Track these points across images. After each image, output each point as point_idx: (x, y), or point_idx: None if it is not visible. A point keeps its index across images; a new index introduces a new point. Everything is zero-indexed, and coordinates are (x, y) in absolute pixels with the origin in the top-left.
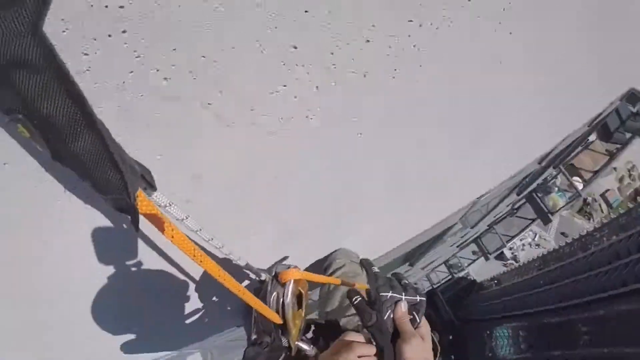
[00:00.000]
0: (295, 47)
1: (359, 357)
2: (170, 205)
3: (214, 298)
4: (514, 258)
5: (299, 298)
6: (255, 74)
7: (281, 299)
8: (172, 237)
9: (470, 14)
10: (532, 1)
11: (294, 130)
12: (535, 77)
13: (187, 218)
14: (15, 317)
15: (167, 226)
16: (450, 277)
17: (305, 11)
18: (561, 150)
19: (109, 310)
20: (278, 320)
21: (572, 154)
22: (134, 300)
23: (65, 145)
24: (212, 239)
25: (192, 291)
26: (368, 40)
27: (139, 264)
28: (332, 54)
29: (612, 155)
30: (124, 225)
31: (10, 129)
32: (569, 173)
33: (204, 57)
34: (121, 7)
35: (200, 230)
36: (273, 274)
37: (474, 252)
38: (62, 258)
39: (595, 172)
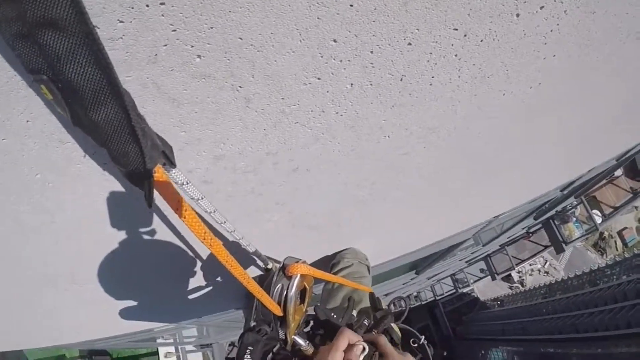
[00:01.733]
0: (335, 41)
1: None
2: (187, 183)
3: (219, 278)
4: (521, 282)
5: (302, 293)
6: (290, 63)
7: (285, 292)
8: (185, 217)
9: (517, 31)
10: (580, 29)
11: (321, 124)
12: (571, 103)
13: (202, 199)
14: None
15: (180, 205)
16: (454, 291)
17: (351, 5)
18: (585, 181)
19: (114, 275)
20: (279, 312)
21: (596, 187)
22: (139, 269)
23: (87, 113)
24: (225, 222)
25: (197, 268)
26: (410, 44)
27: (150, 234)
28: (371, 52)
29: (635, 194)
30: (137, 198)
31: (35, 89)
32: (590, 205)
33: (241, 39)
34: None
35: (215, 211)
36: (281, 265)
37: (481, 270)
38: (72, 221)
39: (616, 208)
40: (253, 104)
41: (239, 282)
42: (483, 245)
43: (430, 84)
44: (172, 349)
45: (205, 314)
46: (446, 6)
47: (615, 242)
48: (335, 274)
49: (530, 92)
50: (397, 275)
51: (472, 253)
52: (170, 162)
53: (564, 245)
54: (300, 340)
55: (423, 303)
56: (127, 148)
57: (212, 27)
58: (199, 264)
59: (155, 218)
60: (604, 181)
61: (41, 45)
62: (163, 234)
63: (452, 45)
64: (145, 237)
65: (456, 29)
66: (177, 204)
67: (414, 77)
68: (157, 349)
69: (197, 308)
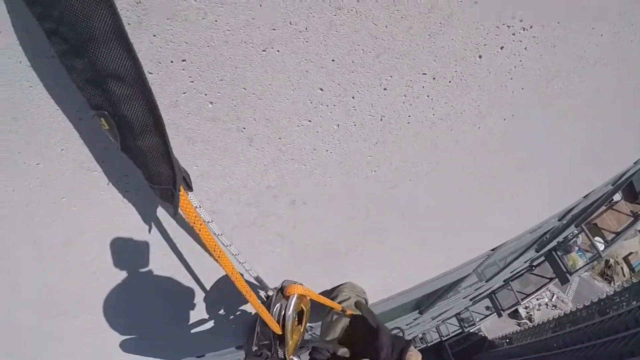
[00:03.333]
0: (322, 89)
1: None
2: (199, 207)
3: (221, 311)
4: (529, 317)
5: (300, 315)
6: (285, 108)
7: (283, 311)
8: (199, 230)
9: (482, 70)
10: (543, 62)
11: (314, 160)
12: (549, 131)
13: (211, 222)
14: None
15: (197, 220)
16: (460, 331)
17: (332, 60)
18: (584, 208)
19: (119, 305)
20: (278, 329)
21: (596, 213)
22: (144, 301)
23: (135, 141)
24: (231, 245)
25: (200, 301)
26: (385, 88)
27: (157, 267)
28: (352, 97)
29: (636, 217)
30: (150, 228)
31: (83, 122)
32: (591, 233)
33: (244, 89)
34: (186, 42)
35: (222, 235)
36: (279, 286)
37: (487, 308)
38: (88, 245)
39: (619, 234)
40: (255, 143)
41: (241, 317)
42: (486, 281)
43: (408, 122)
44: None
45: (205, 352)
46: (413, 55)
47: (622, 268)
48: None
49: (505, 124)
50: (400, 315)
51: (476, 290)
52: (188, 187)
53: (568, 275)
54: None
55: (429, 345)
56: (162, 169)
57: (222, 79)
58: (201, 295)
59: (163, 250)
60: (604, 207)
61: (105, 90)
62: (170, 266)
63: (423, 87)
64: (153, 269)
65: (425, 73)
66: (194, 218)
67: (392, 116)
68: None
69: (198, 346)
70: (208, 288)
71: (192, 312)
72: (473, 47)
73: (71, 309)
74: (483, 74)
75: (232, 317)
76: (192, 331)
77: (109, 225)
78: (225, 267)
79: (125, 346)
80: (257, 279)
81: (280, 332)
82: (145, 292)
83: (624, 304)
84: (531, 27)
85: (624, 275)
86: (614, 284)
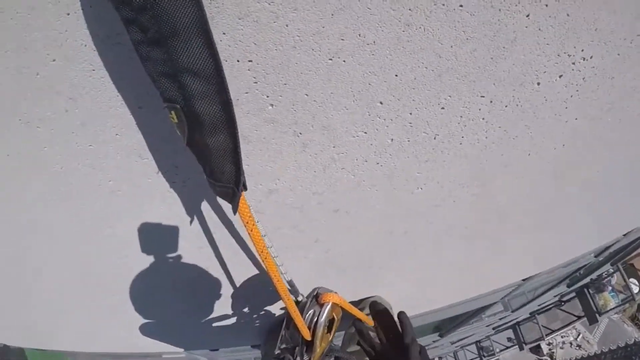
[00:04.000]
0: (381, 103)
1: None
2: (249, 206)
3: (244, 310)
4: (551, 355)
5: (330, 323)
6: (343, 117)
7: (315, 318)
8: (252, 230)
9: (539, 97)
10: (599, 94)
11: (363, 172)
12: (597, 164)
13: (258, 222)
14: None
15: (251, 220)
16: (478, 359)
17: (395, 75)
18: (622, 247)
19: (145, 291)
20: (308, 335)
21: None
22: (171, 290)
23: (203, 137)
24: (272, 247)
25: (225, 297)
26: (443, 108)
27: (191, 259)
28: (410, 114)
29: None
30: (191, 220)
31: (143, 110)
32: (627, 273)
33: (307, 95)
34: (255, 43)
35: (265, 235)
36: (315, 293)
37: (509, 339)
38: (125, 232)
39: None
40: (309, 149)
41: (263, 316)
42: (512, 311)
43: (460, 143)
44: None
45: (221, 346)
46: (474, 77)
47: None
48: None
49: (555, 152)
50: (419, 336)
51: (500, 319)
52: (244, 186)
53: (597, 315)
54: None
55: None
56: (226, 168)
57: (285, 84)
58: (228, 290)
59: (201, 243)
60: None
61: (181, 84)
62: (203, 260)
63: (480, 109)
64: (187, 261)
65: (483, 96)
66: (248, 218)
67: (446, 136)
68: None
69: (215, 339)
70: (237, 285)
71: (215, 307)
72: (533, 74)
73: (97, 289)
74: (539, 101)
75: (253, 316)
76: (212, 325)
77: (150, 213)
78: (270, 268)
79: (144, 330)
80: (290, 282)
81: (309, 338)
82: (174, 282)
83: None
84: (591, 57)
85: None
86: None
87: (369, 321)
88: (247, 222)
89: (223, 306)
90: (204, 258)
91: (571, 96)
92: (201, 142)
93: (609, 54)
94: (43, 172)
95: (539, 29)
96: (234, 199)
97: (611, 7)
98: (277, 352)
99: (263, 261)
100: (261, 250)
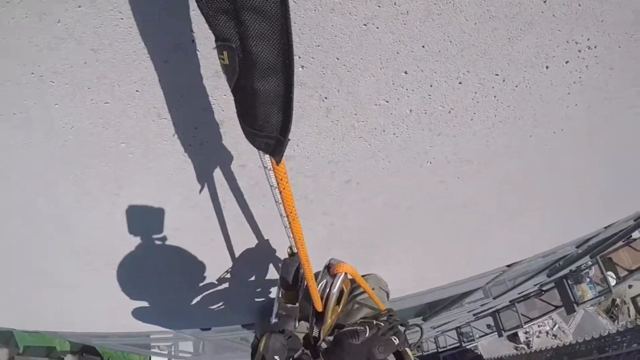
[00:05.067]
0: (406, 73)
1: None
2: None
3: (240, 288)
4: (527, 343)
5: (340, 295)
6: (369, 84)
7: (327, 289)
8: (284, 188)
9: (546, 81)
10: (600, 82)
11: (380, 142)
12: (588, 155)
13: (276, 187)
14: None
15: (285, 177)
16: (458, 345)
17: (422, 46)
18: (602, 240)
19: (145, 263)
20: (320, 306)
21: (612, 248)
22: (171, 263)
23: (252, 81)
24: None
25: (224, 273)
26: (460, 82)
27: (196, 229)
28: (430, 86)
29: None
30: (201, 188)
31: (160, 60)
32: (605, 266)
33: (337, 59)
34: (295, 2)
35: (280, 203)
36: (327, 264)
37: (488, 326)
38: (133, 198)
39: (632, 272)
40: (331, 114)
41: (259, 296)
42: (494, 299)
43: (471, 119)
44: None
45: (213, 325)
46: (492, 55)
47: (629, 308)
48: (356, 296)
49: (554, 137)
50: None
51: (482, 305)
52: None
53: (575, 305)
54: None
55: (424, 354)
56: (272, 116)
57: (319, 45)
58: (226, 270)
59: (208, 212)
60: (621, 243)
61: (240, 22)
62: (207, 231)
63: (493, 87)
64: (191, 232)
65: (497, 74)
66: (283, 174)
67: (459, 111)
68: (150, 358)
69: (208, 317)
70: (235, 261)
71: (213, 283)
72: (543, 57)
73: (97, 259)
74: (546, 84)
75: (248, 295)
76: (207, 302)
77: (162, 178)
78: (295, 230)
79: (134, 310)
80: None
81: (321, 309)
82: (175, 254)
83: (625, 344)
84: (596, 47)
85: (629, 316)
86: (618, 322)
87: (381, 306)
88: (282, 179)
89: (220, 284)
90: (207, 229)
91: (574, 82)
92: (248, 87)
93: (611, 45)
94: (50, 131)
95: (554, 15)
96: (277, 149)
97: (617, 1)
98: (274, 320)
99: (290, 223)
100: (290, 210)
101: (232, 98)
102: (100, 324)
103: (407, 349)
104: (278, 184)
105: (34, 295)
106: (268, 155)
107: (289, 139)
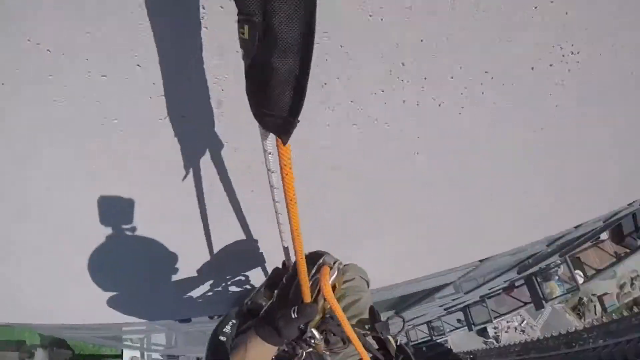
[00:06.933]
0: (403, 64)
1: None
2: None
3: (218, 279)
4: (496, 338)
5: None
6: (368, 73)
7: (317, 287)
8: (287, 174)
9: (530, 80)
10: (581, 84)
11: (372, 132)
12: (567, 155)
13: (274, 172)
14: None
15: (289, 162)
16: (429, 338)
17: (421, 40)
18: (571, 239)
19: (125, 252)
20: (309, 298)
21: (581, 248)
22: (153, 250)
23: (270, 57)
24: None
25: (204, 263)
26: (452, 77)
27: (179, 217)
28: (425, 78)
29: (619, 259)
30: (186, 175)
31: (167, 31)
32: (573, 265)
33: (341, 46)
34: None
35: (278, 189)
36: (321, 261)
37: (459, 320)
38: (120, 176)
39: (599, 271)
40: (328, 101)
41: (231, 290)
42: (465, 294)
43: (460, 113)
44: (137, 353)
45: (182, 315)
46: (485, 53)
47: (595, 306)
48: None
49: (534, 135)
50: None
51: (453, 300)
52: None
53: (544, 302)
54: (315, 334)
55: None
56: (285, 95)
57: (326, 32)
58: (206, 260)
59: (193, 200)
60: (589, 243)
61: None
62: (193, 218)
63: (482, 84)
64: (175, 220)
65: (487, 72)
66: (286, 160)
67: (449, 105)
68: (122, 351)
69: (178, 307)
70: (214, 252)
71: (192, 273)
72: (530, 59)
73: (75, 245)
74: (530, 83)
75: (222, 288)
76: (186, 293)
77: (149, 160)
78: (294, 218)
79: (113, 300)
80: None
81: (309, 301)
82: (158, 241)
83: (591, 341)
84: (579, 52)
85: (596, 314)
86: (584, 320)
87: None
88: (285, 164)
89: (199, 274)
90: (193, 217)
91: (556, 84)
92: (266, 65)
93: (593, 52)
94: (42, 102)
95: (543, 20)
96: (285, 129)
97: (602, 12)
98: (247, 301)
99: (289, 210)
100: (291, 197)
101: (234, 78)
102: (72, 315)
103: (390, 337)
104: (282, 168)
105: (2, 287)
106: (270, 139)
107: (299, 121)
